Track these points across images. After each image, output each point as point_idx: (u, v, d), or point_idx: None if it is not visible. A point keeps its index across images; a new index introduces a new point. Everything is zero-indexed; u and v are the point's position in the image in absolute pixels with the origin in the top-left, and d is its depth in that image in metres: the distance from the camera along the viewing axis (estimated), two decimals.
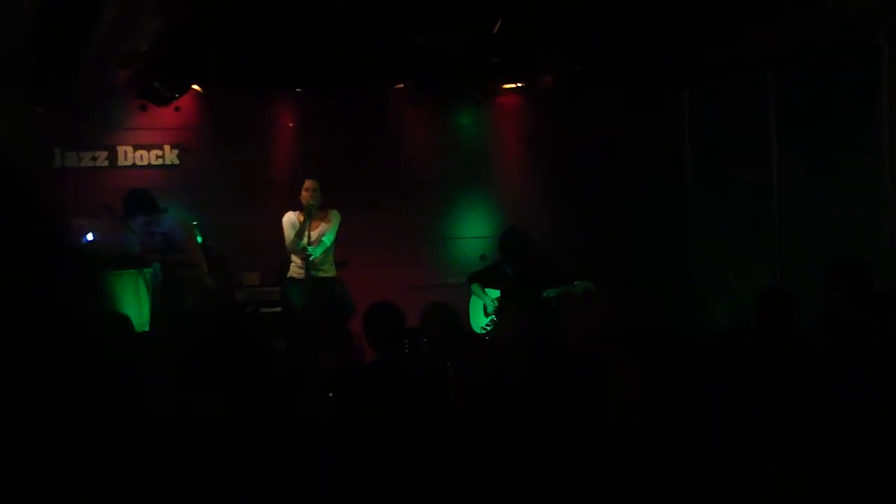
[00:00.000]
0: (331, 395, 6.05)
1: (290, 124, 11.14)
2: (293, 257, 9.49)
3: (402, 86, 11.25)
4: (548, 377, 4.54)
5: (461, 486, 3.46)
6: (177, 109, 10.72)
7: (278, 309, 9.90)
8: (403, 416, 4.66)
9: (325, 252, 9.47)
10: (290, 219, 9.47)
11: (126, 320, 7.18)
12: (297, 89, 11.02)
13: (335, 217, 9.53)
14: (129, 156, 10.69)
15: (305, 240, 9.25)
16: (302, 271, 9.36)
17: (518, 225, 9.64)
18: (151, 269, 9.02)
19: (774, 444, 3.65)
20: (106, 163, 10.66)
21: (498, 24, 9.08)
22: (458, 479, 3.55)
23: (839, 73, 8.51)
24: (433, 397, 4.90)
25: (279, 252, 9.62)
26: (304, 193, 9.36)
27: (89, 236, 9.11)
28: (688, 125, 10.83)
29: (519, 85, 11.58)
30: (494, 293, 9.43)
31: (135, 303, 8.99)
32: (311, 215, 9.28)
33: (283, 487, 3.59)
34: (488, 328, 9.42)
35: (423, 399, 4.93)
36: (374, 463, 3.95)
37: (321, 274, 9.44)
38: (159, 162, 10.79)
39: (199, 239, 9.55)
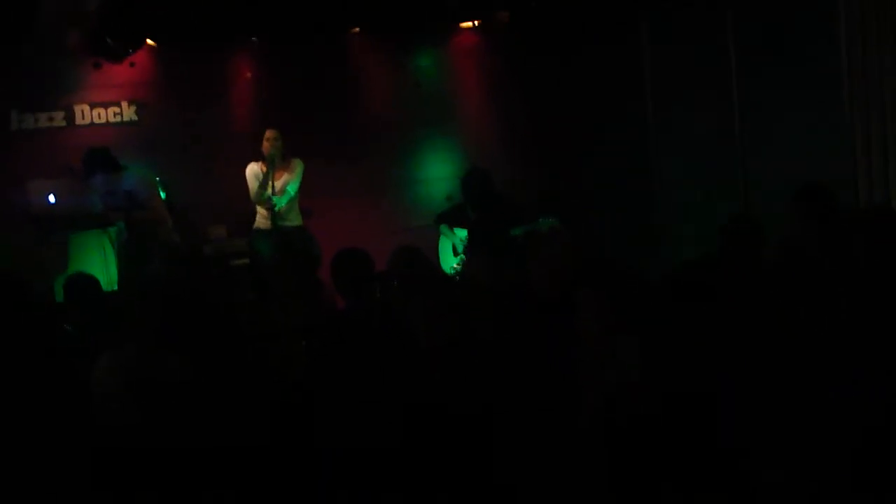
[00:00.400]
0: (304, 343, 6.06)
1: (248, 74, 11.00)
2: (258, 208, 9.49)
3: (357, 30, 11.13)
4: (519, 330, 4.55)
5: (431, 434, 3.48)
6: (132, 65, 10.56)
7: (246, 260, 9.87)
8: (374, 365, 4.68)
9: (290, 202, 9.48)
10: (253, 170, 9.46)
11: (94, 281, 7.17)
12: (253, 39, 10.89)
13: (298, 166, 9.53)
14: (87, 114, 10.54)
15: (269, 190, 9.24)
16: (268, 222, 9.35)
17: (479, 165, 9.62)
18: (116, 228, 8.97)
19: (741, 379, 3.69)
20: (63, 123, 10.51)
21: None
22: (429, 428, 3.58)
23: (797, 6, 8.60)
24: (403, 346, 4.90)
25: (245, 204, 9.59)
26: (265, 144, 9.36)
27: (51, 198, 9.03)
28: (648, 60, 10.79)
29: (476, 23, 11.47)
30: (463, 233, 9.44)
31: (101, 263, 8.94)
32: (273, 165, 9.28)
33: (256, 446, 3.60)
34: (458, 268, 9.43)
35: (394, 347, 4.94)
36: (347, 410, 3.97)
37: (287, 224, 9.45)
38: (117, 119, 10.63)
39: (163, 195, 9.49)
